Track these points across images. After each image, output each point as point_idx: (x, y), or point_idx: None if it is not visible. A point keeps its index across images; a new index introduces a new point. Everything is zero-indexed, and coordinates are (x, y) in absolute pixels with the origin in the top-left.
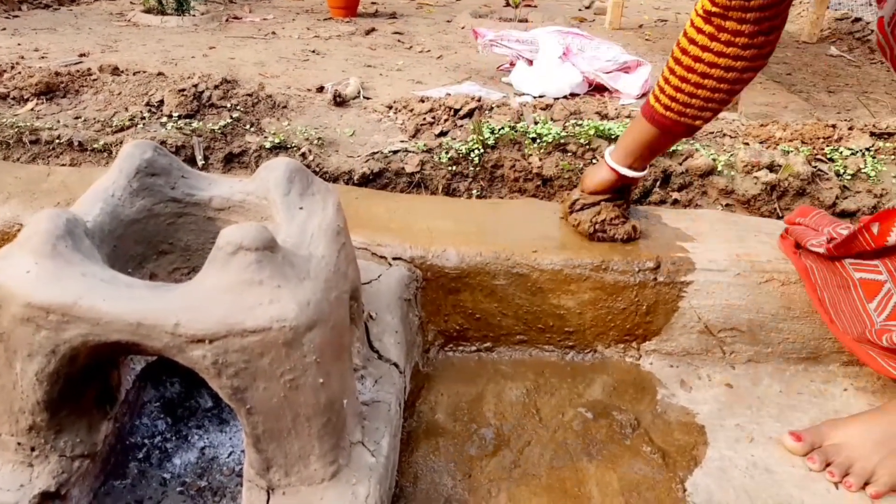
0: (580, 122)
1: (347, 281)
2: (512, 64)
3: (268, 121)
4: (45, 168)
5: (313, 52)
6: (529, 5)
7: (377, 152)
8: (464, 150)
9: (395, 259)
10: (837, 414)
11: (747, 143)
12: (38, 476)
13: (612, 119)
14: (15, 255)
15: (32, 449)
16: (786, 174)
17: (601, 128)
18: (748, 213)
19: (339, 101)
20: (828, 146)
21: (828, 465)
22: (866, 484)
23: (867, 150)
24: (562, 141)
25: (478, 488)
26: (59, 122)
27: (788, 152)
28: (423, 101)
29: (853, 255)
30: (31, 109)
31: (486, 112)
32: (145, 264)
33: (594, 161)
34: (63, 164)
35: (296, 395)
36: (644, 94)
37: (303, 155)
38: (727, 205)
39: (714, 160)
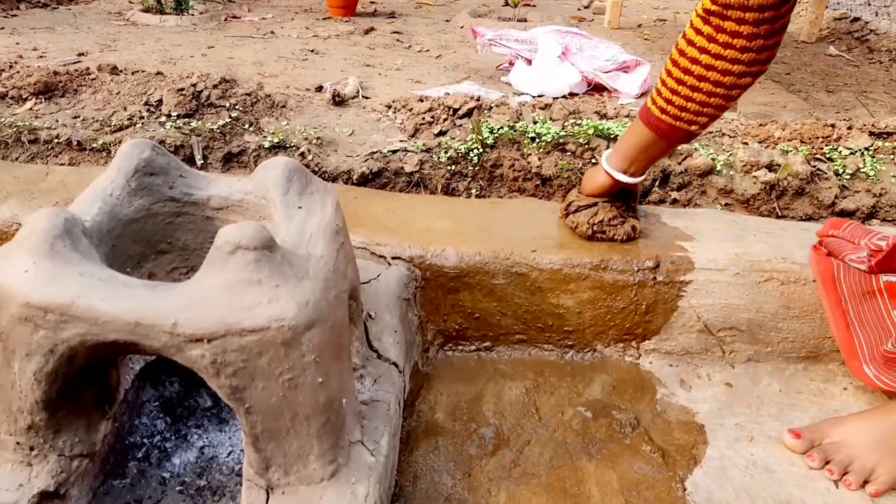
0: (579, 121)
1: (346, 280)
2: (511, 63)
3: (267, 120)
4: (44, 167)
5: (312, 51)
6: (528, 5)
7: (376, 152)
8: (463, 150)
9: (394, 258)
10: (837, 413)
11: (746, 143)
12: (37, 475)
13: (611, 118)
14: (13, 255)
15: (31, 448)
16: (785, 174)
17: (600, 127)
18: (747, 212)
19: (338, 101)
20: (827, 146)
21: (827, 463)
22: (866, 482)
23: (866, 149)
24: (561, 140)
25: (477, 487)
26: (57, 121)
27: (787, 152)
28: (422, 101)
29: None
30: (30, 109)
31: (485, 111)
32: (144, 264)
33: (593, 160)
34: (62, 164)
35: (295, 394)
36: (643, 94)
37: (302, 154)
38: (726, 204)
39: (713, 160)
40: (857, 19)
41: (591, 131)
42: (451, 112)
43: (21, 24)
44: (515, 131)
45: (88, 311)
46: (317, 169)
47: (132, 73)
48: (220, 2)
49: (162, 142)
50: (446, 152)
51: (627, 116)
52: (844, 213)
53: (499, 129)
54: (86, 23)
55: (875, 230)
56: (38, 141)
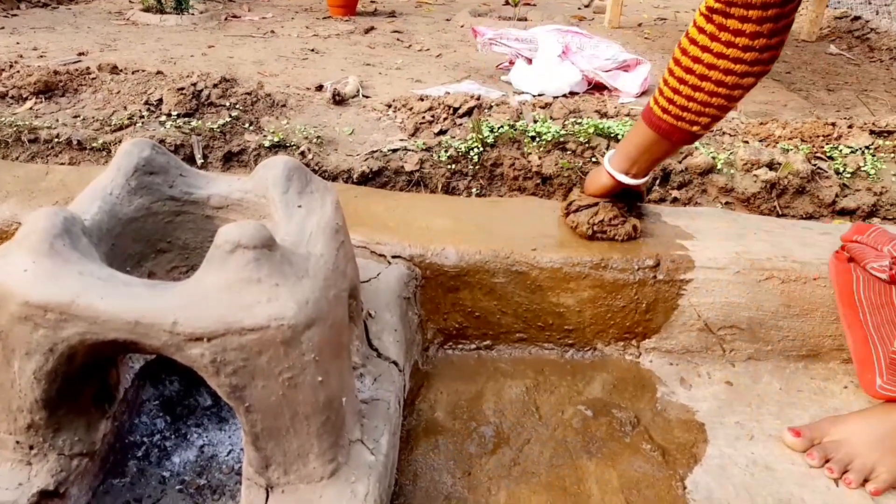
0: (579, 120)
1: (346, 279)
2: (511, 62)
3: (267, 119)
4: (44, 167)
5: (312, 50)
6: (529, 4)
7: (376, 151)
8: (463, 149)
9: (394, 257)
10: (837, 411)
11: (747, 142)
12: (37, 475)
13: (612, 117)
14: (13, 254)
15: (31, 447)
16: (785, 172)
17: (600, 126)
18: (748, 211)
19: (339, 100)
20: (827, 144)
21: (827, 461)
22: (866, 481)
23: (867, 148)
24: (561, 139)
25: (477, 486)
26: (57, 120)
27: (788, 150)
28: (422, 100)
29: None
30: (30, 108)
31: (486, 110)
32: (144, 263)
33: (594, 159)
34: (62, 163)
35: (294, 393)
36: (643, 93)
37: (302, 154)
38: (727, 203)
39: (714, 158)
40: (857, 18)
41: (591, 130)
42: (451, 111)
43: (21, 24)
44: (516, 130)
45: (88, 310)
46: (317, 168)
47: (132, 73)
48: (221, 1)
49: (162, 141)
50: (446, 151)
51: (628, 115)
52: (845, 212)
53: (499, 128)
54: (86, 22)
55: None
56: (38, 140)
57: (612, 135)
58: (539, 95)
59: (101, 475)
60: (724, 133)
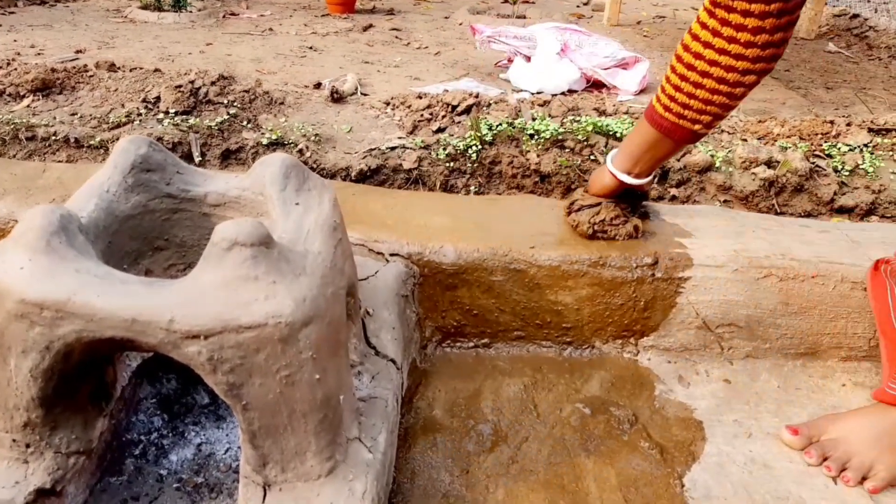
0: (578, 118)
1: (344, 277)
2: (510, 60)
3: (265, 117)
4: (41, 164)
5: (310, 48)
6: (527, 1)
7: (374, 149)
8: (461, 147)
9: (392, 255)
10: (836, 409)
11: (745, 140)
12: (34, 473)
13: (610, 115)
14: (9, 252)
15: (27, 446)
16: (784, 170)
17: (599, 124)
18: (746, 209)
19: (337, 98)
20: (826, 142)
21: (825, 459)
22: (864, 479)
23: (865, 146)
24: (560, 137)
25: (475, 484)
26: (55, 118)
27: (786, 148)
28: (420, 98)
29: None
30: (28, 106)
31: (484, 108)
32: (141, 260)
33: (592, 157)
34: (59, 161)
35: (292, 391)
36: (642, 91)
37: (300, 151)
38: (725, 201)
39: (712, 156)
40: (856, 16)
41: (589, 128)
42: (449, 109)
43: (19, 22)
44: (514, 128)
45: (84, 308)
46: (315, 166)
47: (130, 71)
48: None
49: (160, 139)
50: (445, 149)
51: (626, 113)
52: (843, 210)
53: (497, 126)
54: (84, 20)
55: None
56: (35, 138)
57: (611, 133)
58: (538, 93)
59: (99, 473)
60: (722, 131)
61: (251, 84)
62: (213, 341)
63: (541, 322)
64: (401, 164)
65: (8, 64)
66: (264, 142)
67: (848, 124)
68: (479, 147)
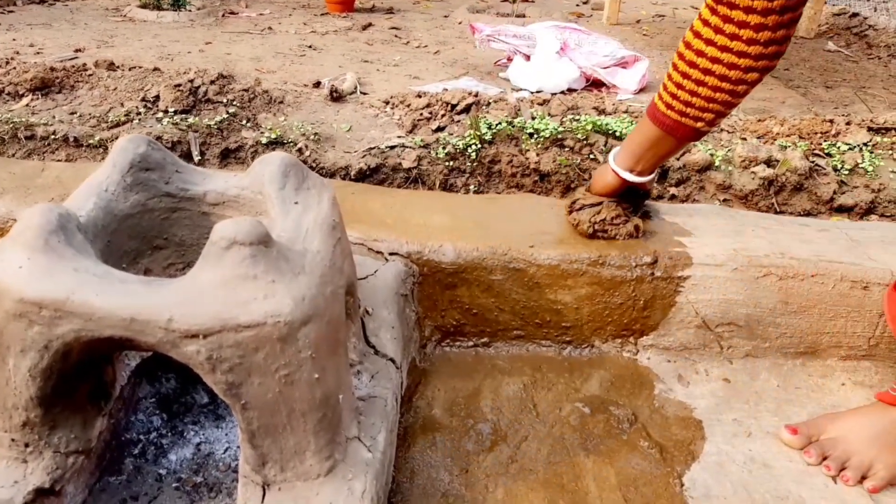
0: (577, 117)
1: (343, 276)
2: (509, 59)
3: (264, 116)
4: (40, 163)
5: (310, 47)
6: (527, 0)
7: (374, 148)
8: (461, 146)
9: (391, 254)
10: (835, 408)
11: (745, 139)
12: (33, 472)
13: (610, 114)
14: (7, 251)
15: (26, 445)
16: (783, 169)
17: (598, 123)
18: (746, 208)
19: (336, 97)
20: (825, 141)
21: (825, 458)
22: (864, 478)
23: (865, 145)
24: (559, 136)
25: (475, 483)
26: (54, 117)
27: (786, 147)
28: (419, 97)
29: None
30: (27, 105)
31: (484, 107)
32: (140, 259)
33: (591, 156)
34: (58, 160)
35: (291, 390)
36: (642, 90)
37: (299, 150)
38: (725, 200)
39: (711, 155)
40: (855, 15)
41: (589, 127)
42: (449, 108)
43: (18, 20)
44: (513, 127)
45: (83, 307)
46: (314, 165)
47: (129, 69)
48: None
49: (159, 138)
50: (444, 148)
51: (626, 112)
52: (843, 209)
53: (497, 125)
54: (83, 19)
55: None
56: (34, 137)
57: (611, 131)
58: (537, 92)
59: (98, 473)
60: (722, 130)
61: (250, 83)
62: (212, 340)
63: (540, 321)
64: (400, 163)
65: (7, 63)
66: (263, 141)
67: (847, 123)
68: (479, 146)
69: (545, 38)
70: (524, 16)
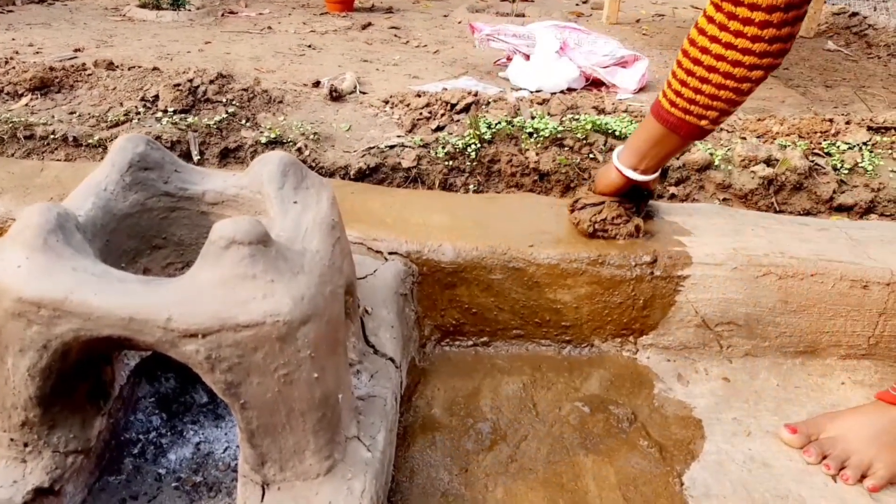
0: (577, 116)
1: (342, 275)
2: (509, 59)
3: (263, 116)
4: (39, 163)
5: (309, 46)
6: (526, 0)
7: (373, 147)
8: (460, 145)
9: (391, 254)
10: (835, 407)
11: (744, 138)
12: (32, 472)
13: (610, 114)
14: (6, 250)
15: (25, 445)
16: (783, 168)
17: (598, 122)
18: (745, 207)
19: (336, 96)
20: (825, 140)
21: (824, 457)
22: (863, 477)
23: (864, 144)
24: (559, 136)
25: (474, 483)
26: (53, 117)
27: (786, 146)
28: (419, 96)
29: None
30: (26, 105)
31: (483, 107)
32: (139, 259)
33: (591, 156)
34: (57, 160)
35: (290, 389)
36: (641, 89)
37: (299, 150)
38: (724, 199)
39: (711, 154)
40: (855, 14)
41: (588, 126)
42: (448, 107)
43: (17, 20)
44: (513, 126)
45: (82, 307)
46: (314, 164)
47: (128, 69)
48: None
49: (158, 137)
50: (444, 147)
51: (625, 111)
52: (843, 208)
53: (496, 125)
54: (82, 18)
55: None
56: (33, 137)
57: (610, 131)
58: (537, 91)
59: (97, 472)
60: (721, 129)
61: (250, 83)
62: (211, 340)
63: (540, 320)
64: (399, 163)
65: (6, 62)
66: (263, 140)
67: (847, 122)
68: (478, 145)
69: (545, 37)
70: (524, 15)
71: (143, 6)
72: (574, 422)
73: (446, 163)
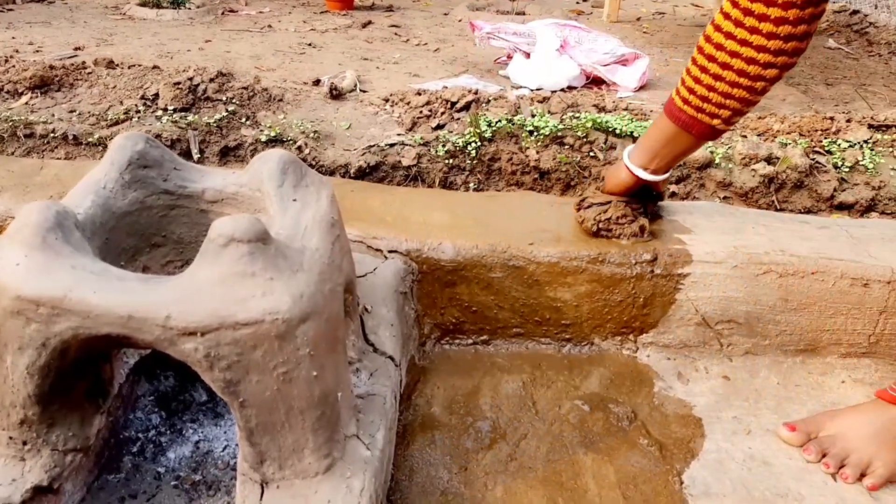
0: (577, 114)
1: (342, 273)
2: (509, 57)
3: (264, 114)
4: (39, 161)
5: (309, 45)
6: None
7: (373, 145)
8: (460, 143)
9: (390, 252)
10: (835, 406)
11: (745, 136)
12: (31, 470)
13: (610, 112)
14: (5, 248)
15: (24, 443)
16: (784, 166)
17: (598, 120)
18: (746, 205)
19: (336, 95)
20: (826, 138)
21: (824, 456)
22: (863, 475)
23: (865, 142)
24: (559, 134)
25: (474, 481)
26: (53, 115)
27: (786, 144)
28: (419, 94)
29: None
30: (26, 103)
31: (483, 105)
32: (138, 257)
33: (591, 154)
34: (57, 158)
35: (289, 388)
36: (642, 87)
37: (299, 148)
38: (725, 197)
39: (712, 152)
40: (856, 12)
41: (589, 124)
42: (448, 105)
43: (17, 19)
44: (513, 125)
45: (81, 305)
46: (314, 162)
47: (128, 68)
48: None
49: (158, 136)
50: (444, 146)
51: (626, 110)
52: (843, 206)
53: (497, 123)
54: (82, 17)
55: None
56: (33, 135)
57: (610, 129)
58: (537, 90)
59: (96, 471)
60: None
61: (250, 81)
62: (210, 338)
63: (540, 319)
64: (400, 161)
65: (6, 61)
66: (263, 139)
67: (848, 121)
68: (479, 144)
69: (545, 35)
70: (524, 13)
71: (143, 4)
72: (574, 420)
73: (446, 161)
